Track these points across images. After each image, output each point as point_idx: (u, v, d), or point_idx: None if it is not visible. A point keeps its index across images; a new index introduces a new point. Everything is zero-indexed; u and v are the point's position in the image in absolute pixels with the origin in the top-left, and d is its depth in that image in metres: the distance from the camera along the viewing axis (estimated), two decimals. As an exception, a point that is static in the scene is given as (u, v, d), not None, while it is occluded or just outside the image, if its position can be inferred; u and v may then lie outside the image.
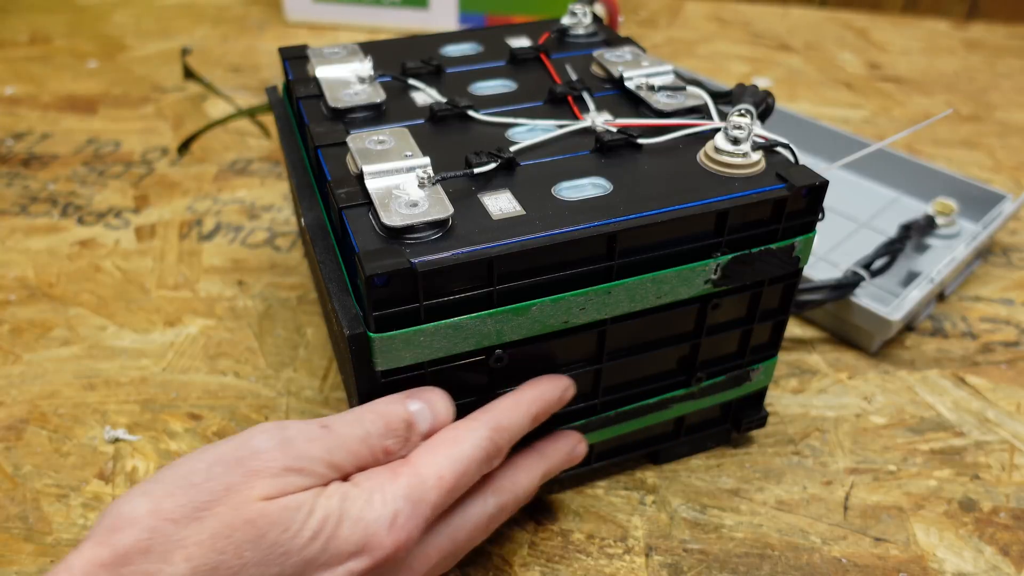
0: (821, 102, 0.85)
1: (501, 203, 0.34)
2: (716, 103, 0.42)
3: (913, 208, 0.65)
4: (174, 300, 0.55)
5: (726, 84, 0.71)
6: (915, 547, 0.41)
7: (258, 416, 0.47)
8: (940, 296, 0.58)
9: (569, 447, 0.38)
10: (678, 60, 0.93)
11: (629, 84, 0.43)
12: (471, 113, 0.41)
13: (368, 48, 0.49)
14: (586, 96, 0.43)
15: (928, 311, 0.56)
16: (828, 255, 0.59)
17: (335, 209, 0.34)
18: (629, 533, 0.41)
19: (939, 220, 0.61)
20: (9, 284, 0.57)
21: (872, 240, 0.60)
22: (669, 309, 0.37)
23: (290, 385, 0.49)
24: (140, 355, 0.51)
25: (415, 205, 0.32)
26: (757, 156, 0.37)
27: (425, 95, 0.43)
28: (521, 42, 0.50)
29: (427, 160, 0.35)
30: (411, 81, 0.44)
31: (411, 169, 0.35)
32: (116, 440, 0.45)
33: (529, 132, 0.40)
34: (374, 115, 0.41)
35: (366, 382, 0.33)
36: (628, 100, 0.43)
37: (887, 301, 0.53)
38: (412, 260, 0.30)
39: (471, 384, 0.36)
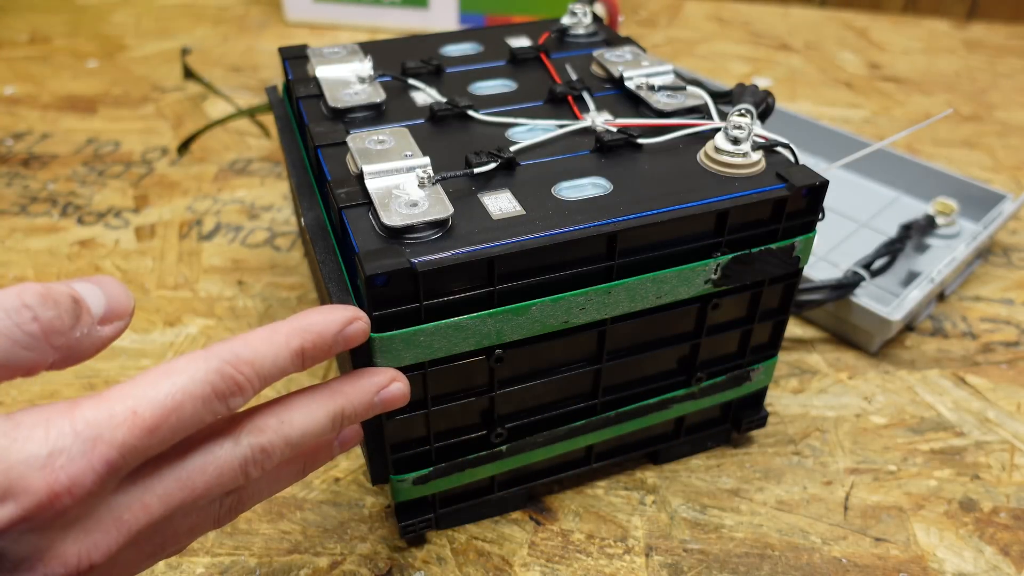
0: (821, 102, 0.85)
1: (501, 203, 0.34)
2: (716, 103, 0.42)
3: (913, 208, 0.65)
4: (174, 300, 0.55)
5: (726, 84, 0.71)
6: (915, 547, 0.41)
7: (258, 416, 0.47)
8: (940, 296, 0.58)
9: (375, 383, 0.31)
10: (678, 60, 0.93)
11: (629, 84, 0.43)
12: (471, 113, 0.41)
13: (368, 48, 0.49)
14: (586, 96, 0.43)
15: (928, 311, 0.56)
16: (828, 255, 0.59)
17: (335, 209, 0.34)
18: (629, 533, 0.41)
19: (939, 220, 0.61)
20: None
21: (872, 240, 0.60)
22: (669, 309, 0.37)
23: (290, 385, 0.49)
24: (140, 355, 0.51)
25: (415, 205, 0.32)
26: (757, 156, 0.37)
27: (425, 95, 0.43)
28: (521, 42, 0.50)
29: (427, 160, 0.35)
30: (411, 81, 0.44)
31: (411, 169, 0.35)
32: None
33: (529, 132, 0.40)
34: (374, 115, 0.41)
35: (366, 382, 0.33)
36: (628, 100, 0.43)
37: (887, 301, 0.53)
38: (412, 260, 0.30)
39: (472, 384, 0.36)
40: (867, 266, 0.54)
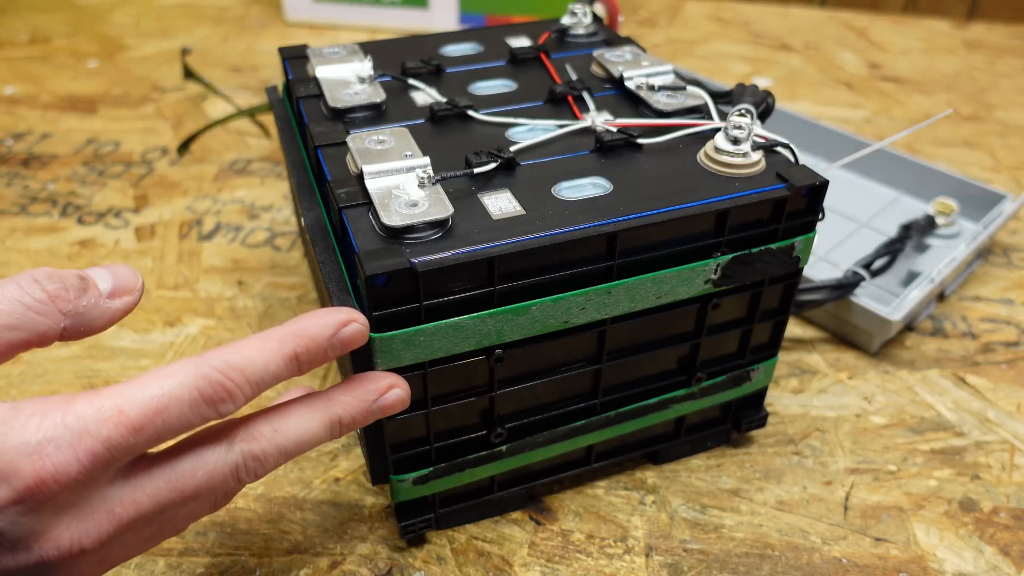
0: (821, 102, 0.85)
1: (501, 203, 0.34)
2: (716, 103, 0.42)
3: (913, 208, 0.65)
4: (174, 300, 0.55)
5: (726, 84, 0.71)
6: (915, 547, 0.41)
7: (258, 416, 0.47)
8: (940, 296, 0.58)
9: (373, 390, 0.31)
10: (678, 60, 0.93)
11: (629, 84, 0.43)
12: (471, 113, 0.41)
13: (368, 48, 0.49)
14: (586, 96, 0.43)
15: (928, 311, 0.56)
16: (828, 255, 0.59)
17: (335, 209, 0.34)
18: (629, 533, 0.41)
19: (939, 220, 0.61)
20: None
21: (872, 240, 0.60)
22: (669, 309, 0.37)
23: (290, 384, 0.49)
24: (140, 355, 0.51)
25: (415, 205, 0.32)
26: (757, 156, 0.37)
27: (425, 95, 0.43)
28: (521, 42, 0.50)
29: (427, 160, 0.35)
30: (411, 81, 0.44)
31: (411, 169, 0.35)
32: None
33: (529, 132, 0.40)
34: (374, 115, 0.41)
35: (366, 382, 0.33)
36: (628, 100, 0.43)
37: (887, 301, 0.53)
38: (412, 260, 0.30)
39: (472, 384, 0.36)
40: (867, 266, 0.54)
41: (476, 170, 0.36)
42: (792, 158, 0.38)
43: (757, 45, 0.98)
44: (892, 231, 0.60)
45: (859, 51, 0.97)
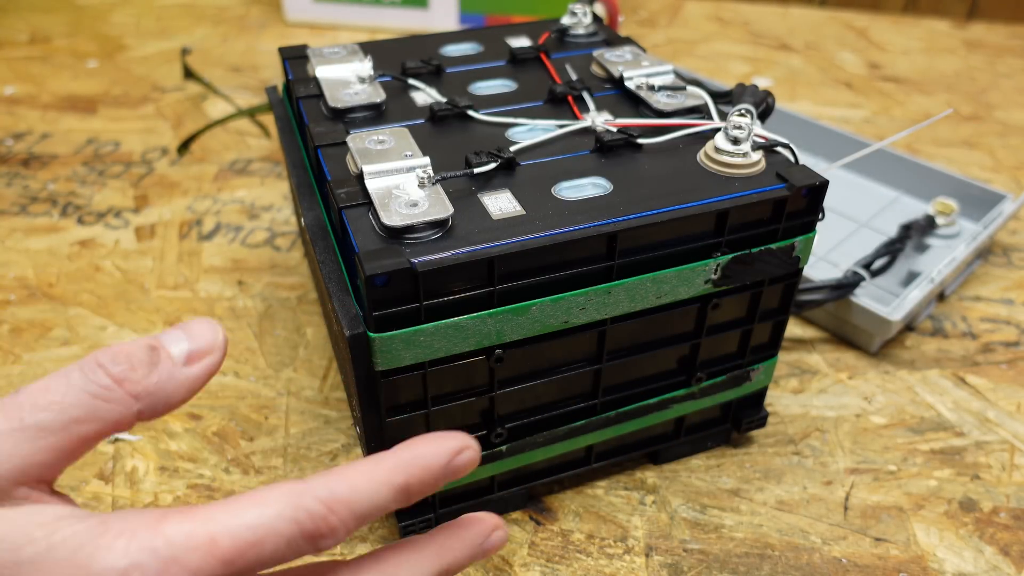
0: (821, 102, 0.85)
1: (501, 203, 0.34)
2: (716, 103, 0.42)
3: (913, 208, 0.65)
4: (174, 300, 0.55)
5: (726, 84, 0.71)
6: (915, 547, 0.41)
7: (258, 416, 0.47)
8: (940, 296, 0.58)
9: (479, 537, 0.29)
10: (678, 60, 0.93)
11: (629, 84, 0.43)
12: (471, 113, 0.41)
13: (368, 48, 0.49)
14: (586, 96, 0.43)
15: (928, 311, 0.56)
16: (828, 255, 0.59)
17: (335, 209, 0.34)
18: (629, 533, 0.41)
19: (939, 220, 0.61)
20: (9, 284, 0.57)
21: (872, 240, 0.60)
22: (669, 309, 0.37)
23: (290, 385, 0.49)
24: (140, 355, 0.51)
25: (415, 205, 0.32)
26: (757, 156, 0.37)
27: (425, 95, 0.43)
28: (521, 42, 0.50)
29: (427, 160, 0.35)
30: (411, 81, 0.44)
31: (411, 169, 0.35)
32: (116, 440, 0.45)
33: (529, 132, 0.40)
34: (374, 115, 0.41)
35: (366, 382, 0.33)
36: (628, 100, 0.43)
37: (887, 301, 0.53)
38: (412, 260, 0.30)
39: (472, 384, 0.36)
40: (867, 266, 0.54)
41: (476, 170, 0.36)
42: (792, 158, 0.38)
43: (757, 45, 0.98)
44: (892, 231, 0.60)
45: (859, 51, 0.97)
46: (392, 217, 0.32)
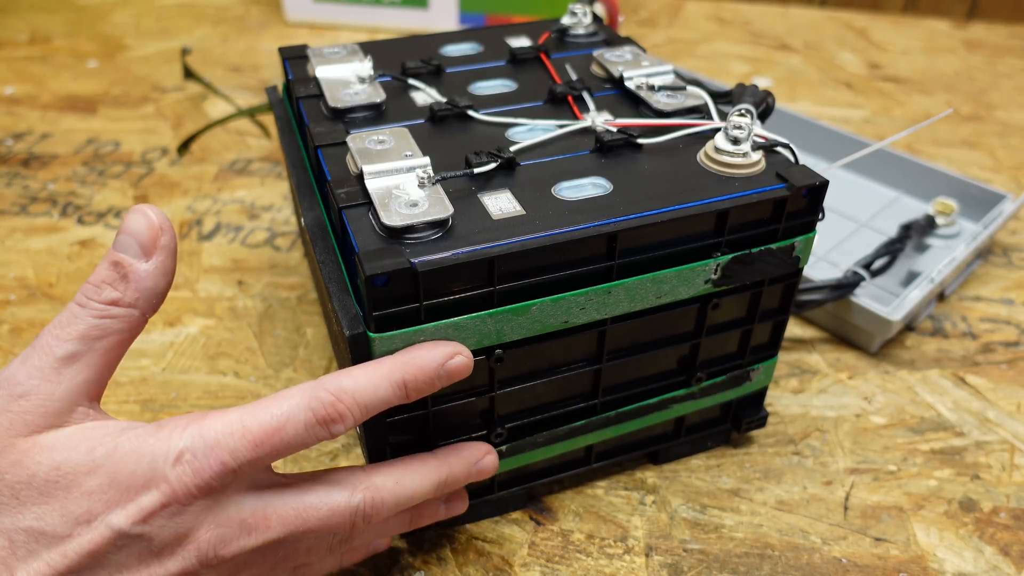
0: (821, 102, 0.85)
1: (501, 203, 0.34)
2: (716, 103, 0.42)
3: (913, 208, 0.65)
4: (174, 300, 0.55)
5: (726, 84, 0.71)
6: (915, 547, 0.41)
7: (258, 416, 0.47)
8: (940, 296, 0.58)
9: (474, 458, 0.36)
10: (678, 60, 0.93)
11: (629, 84, 0.43)
12: (471, 113, 0.41)
13: (368, 48, 0.49)
14: (586, 96, 0.43)
15: (928, 311, 0.56)
16: (828, 255, 0.59)
17: (335, 209, 0.34)
18: (629, 533, 0.41)
19: (939, 220, 0.61)
20: (9, 284, 0.57)
21: (872, 240, 0.60)
22: (669, 309, 0.37)
23: (290, 385, 0.49)
24: (140, 355, 0.51)
25: (415, 205, 0.32)
26: (757, 156, 0.37)
27: (425, 95, 0.43)
28: (521, 42, 0.50)
29: (427, 160, 0.35)
30: (411, 81, 0.44)
31: (411, 169, 0.35)
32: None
33: (529, 132, 0.40)
34: (374, 115, 0.41)
35: (366, 382, 0.33)
36: (628, 100, 0.43)
37: (887, 301, 0.53)
38: (412, 260, 0.30)
39: (472, 384, 0.36)
40: (867, 266, 0.54)
41: (476, 170, 0.36)
42: (792, 158, 0.38)
43: (757, 45, 0.98)
44: (892, 231, 0.60)
45: (859, 51, 0.97)
46: (392, 217, 0.32)
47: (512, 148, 0.38)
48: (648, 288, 0.35)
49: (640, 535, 0.41)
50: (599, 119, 0.40)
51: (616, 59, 0.46)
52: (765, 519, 0.42)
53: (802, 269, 0.39)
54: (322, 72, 0.44)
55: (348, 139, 0.37)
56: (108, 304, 0.30)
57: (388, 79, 0.45)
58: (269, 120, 0.76)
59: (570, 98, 0.43)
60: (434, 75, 0.46)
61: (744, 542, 0.41)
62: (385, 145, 0.36)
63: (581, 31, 0.51)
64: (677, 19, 1.05)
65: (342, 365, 0.39)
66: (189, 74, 0.78)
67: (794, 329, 0.55)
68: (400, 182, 0.34)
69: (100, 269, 0.30)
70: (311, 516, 0.30)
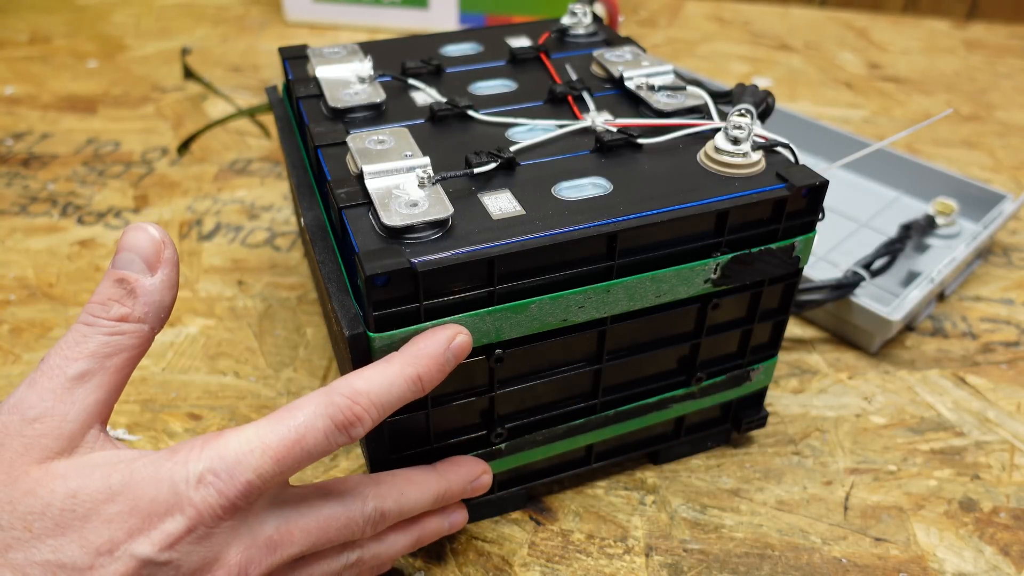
0: (821, 102, 0.85)
1: (501, 203, 0.34)
2: (716, 103, 0.42)
3: (913, 208, 0.65)
4: (174, 300, 0.55)
5: (726, 84, 0.71)
6: (915, 547, 0.41)
7: (258, 416, 0.47)
8: (940, 296, 0.58)
9: (472, 475, 0.37)
10: (678, 60, 0.93)
11: (629, 84, 0.43)
12: (471, 113, 0.41)
13: (368, 48, 0.49)
14: (586, 96, 0.43)
15: (928, 311, 0.56)
16: (828, 255, 0.59)
17: (335, 209, 0.34)
18: (629, 533, 0.41)
19: (939, 220, 0.61)
20: (9, 284, 0.57)
21: (872, 240, 0.60)
22: (669, 309, 0.37)
23: (290, 385, 0.49)
24: (140, 355, 0.51)
25: (415, 205, 0.32)
26: (757, 156, 0.37)
27: (425, 95, 0.43)
28: (521, 42, 0.50)
29: (427, 160, 0.35)
30: (411, 81, 0.44)
31: (411, 169, 0.35)
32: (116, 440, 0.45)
33: (529, 132, 0.40)
34: (374, 115, 0.41)
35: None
36: (628, 100, 0.43)
37: (887, 301, 0.53)
38: (412, 260, 0.30)
39: (472, 384, 0.36)
40: (867, 266, 0.54)
41: (476, 170, 0.36)
42: (792, 158, 0.38)
43: (757, 45, 0.98)
44: (892, 231, 0.60)
45: (859, 51, 0.97)
46: (392, 217, 0.32)
47: (512, 148, 0.38)
48: (647, 287, 0.35)
49: (640, 535, 0.41)
50: (599, 119, 0.40)
51: (616, 59, 0.46)
52: (765, 519, 0.42)
53: (802, 269, 0.39)
54: (322, 72, 0.44)
55: (348, 139, 0.37)
56: (118, 320, 0.29)
57: (388, 79, 0.45)
58: (269, 120, 0.76)
59: (570, 98, 0.43)
60: (434, 75, 0.46)
61: (744, 542, 0.41)
62: (385, 145, 0.36)
63: (581, 31, 0.51)
64: (677, 19, 1.05)
65: (342, 365, 0.39)
66: (189, 74, 0.78)
67: (794, 329, 0.55)
68: (400, 182, 0.34)
69: (103, 288, 0.30)
70: (331, 526, 0.31)
